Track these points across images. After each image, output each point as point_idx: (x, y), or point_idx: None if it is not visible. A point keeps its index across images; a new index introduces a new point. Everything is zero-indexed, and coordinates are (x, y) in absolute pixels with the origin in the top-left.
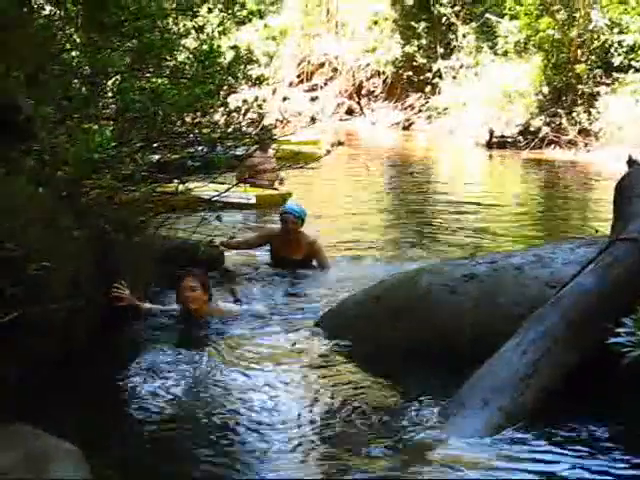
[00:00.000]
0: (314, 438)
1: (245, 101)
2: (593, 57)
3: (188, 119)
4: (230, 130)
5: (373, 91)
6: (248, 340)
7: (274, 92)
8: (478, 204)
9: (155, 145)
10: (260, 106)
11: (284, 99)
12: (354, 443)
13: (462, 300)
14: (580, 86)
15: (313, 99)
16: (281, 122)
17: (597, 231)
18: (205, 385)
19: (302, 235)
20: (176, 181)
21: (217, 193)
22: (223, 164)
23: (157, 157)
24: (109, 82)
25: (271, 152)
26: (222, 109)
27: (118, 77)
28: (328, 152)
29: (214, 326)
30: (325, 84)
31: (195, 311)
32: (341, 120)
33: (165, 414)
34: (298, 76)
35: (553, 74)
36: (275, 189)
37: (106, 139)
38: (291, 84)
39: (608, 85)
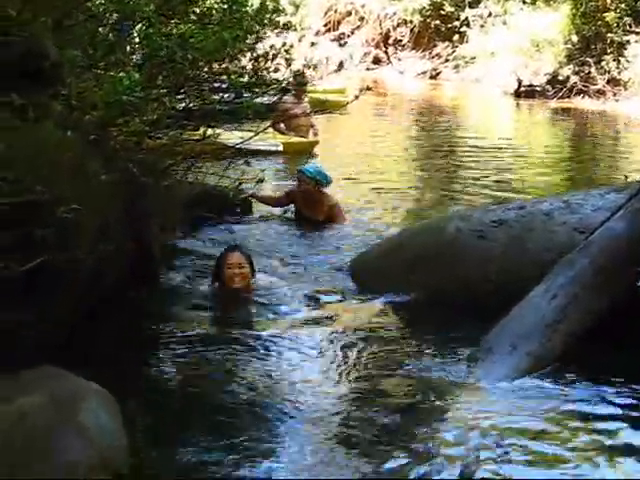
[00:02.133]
0: (347, 388)
1: (273, 46)
2: (623, 5)
3: (216, 65)
4: (258, 75)
5: (400, 40)
6: (280, 306)
7: (300, 40)
8: (506, 153)
9: (183, 90)
10: (288, 51)
11: (312, 44)
12: (382, 392)
13: (491, 245)
14: (609, 35)
15: (341, 45)
16: (309, 68)
17: (627, 177)
18: (233, 345)
19: (324, 196)
20: (202, 128)
21: (244, 139)
22: (252, 110)
23: (184, 104)
24: (136, 28)
25: (306, 101)
26: (250, 55)
27: (145, 23)
28: (356, 97)
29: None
30: (352, 33)
31: (239, 290)
32: (368, 69)
33: (192, 367)
34: (325, 25)
35: (582, 23)
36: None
37: (134, 82)
38: (318, 33)
39: (638, 34)
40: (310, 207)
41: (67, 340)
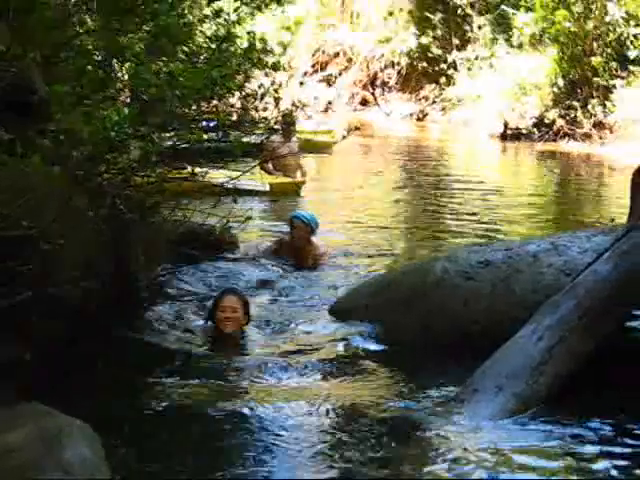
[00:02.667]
0: (328, 425)
1: (261, 85)
2: (609, 50)
3: (204, 104)
4: (247, 114)
5: (387, 82)
6: (270, 340)
7: (289, 79)
8: (492, 194)
9: (171, 128)
10: (276, 90)
11: (301, 84)
12: (365, 431)
13: (478, 286)
14: (596, 79)
15: (329, 85)
16: (297, 107)
17: (613, 220)
18: (221, 376)
19: (312, 246)
20: (190, 168)
21: (232, 178)
22: (240, 149)
23: (172, 142)
24: (125, 65)
25: (294, 142)
26: (238, 94)
27: (134, 60)
28: (344, 137)
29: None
30: (339, 74)
31: (228, 335)
32: (355, 110)
33: (178, 398)
34: (312, 66)
35: (568, 66)
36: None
37: (123, 117)
38: (305, 74)
39: (623, 78)
40: (297, 257)
41: (50, 375)
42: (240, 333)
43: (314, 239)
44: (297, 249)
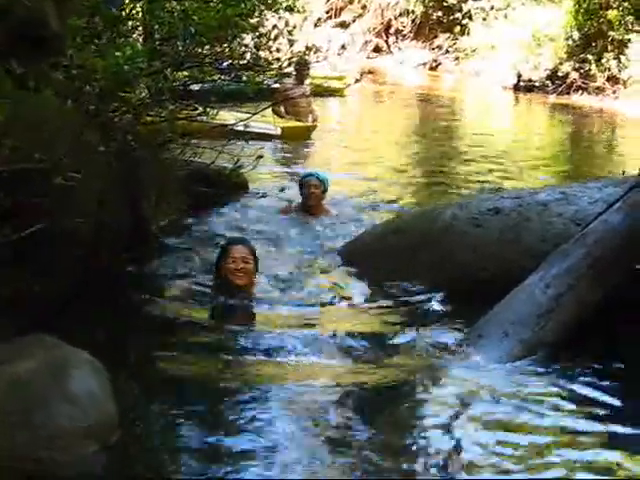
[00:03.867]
0: (337, 370)
1: (275, 26)
2: (625, 3)
3: (218, 45)
4: (259, 56)
5: (401, 30)
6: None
7: (304, 21)
8: (503, 144)
9: (184, 67)
10: (290, 32)
11: (315, 25)
12: (374, 372)
13: (487, 233)
14: (611, 32)
15: (343, 29)
16: (311, 50)
17: (624, 172)
18: (229, 334)
19: (324, 208)
20: (201, 108)
21: (242, 120)
22: (253, 90)
23: (184, 81)
24: (138, 3)
25: (307, 86)
26: (252, 34)
27: None
28: (357, 81)
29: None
30: (353, 21)
31: (242, 287)
32: (368, 58)
33: (184, 343)
34: (327, 12)
35: (584, 19)
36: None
37: (137, 52)
38: (319, 20)
39: (639, 32)
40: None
41: (60, 309)
42: (252, 286)
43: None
44: (309, 210)
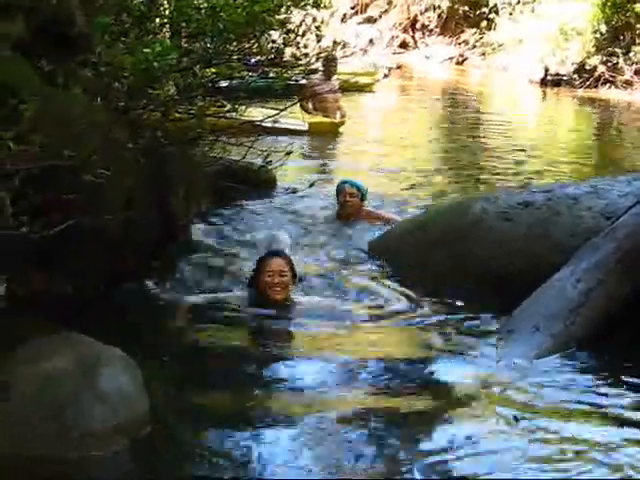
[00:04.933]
0: (364, 366)
1: (303, 22)
2: None
3: (246, 41)
4: (289, 51)
5: (428, 25)
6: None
7: (332, 16)
8: (532, 139)
9: (212, 63)
10: (318, 28)
11: (342, 20)
12: (402, 367)
13: (516, 227)
14: (639, 25)
15: (370, 24)
16: (338, 45)
17: None
18: (261, 334)
19: (368, 214)
20: (229, 105)
21: (270, 115)
22: (281, 86)
23: (213, 77)
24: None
25: (335, 81)
26: (280, 30)
27: None
28: (385, 75)
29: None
30: (380, 17)
31: (278, 301)
32: (395, 53)
33: (215, 339)
34: (352, 7)
35: (612, 12)
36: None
37: (166, 48)
38: (345, 15)
39: None
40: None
41: (90, 306)
42: (289, 299)
43: (369, 208)
44: (344, 218)
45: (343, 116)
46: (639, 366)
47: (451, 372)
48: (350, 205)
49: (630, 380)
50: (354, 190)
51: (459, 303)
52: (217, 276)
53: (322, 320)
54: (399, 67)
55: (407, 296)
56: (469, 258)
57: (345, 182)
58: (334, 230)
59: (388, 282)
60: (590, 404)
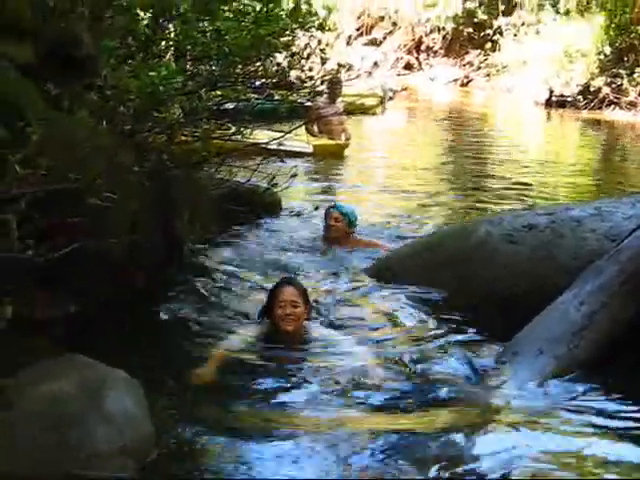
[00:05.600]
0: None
1: (308, 44)
2: None
3: (251, 66)
4: (294, 73)
5: (432, 47)
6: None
7: (336, 38)
8: (536, 160)
9: (217, 86)
10: (323, 50)
11: (348, 43)
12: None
13: (520, 250)
14: None
15: (375, 46)
16: (342, 67)
17: None
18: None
19: (356, 242)
20: (234, 128)
21: (275, 138)
22: (286, 109)
23: (218, 100)
24: (171, 23)
25: (340, 104)
26: (285, 53)
27: (180, 19)
28: (391, 98)
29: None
30: (384, 38)
31: (290, 333)
32: (399, 75)
33: (222, 361)
34: (357, 29)
35: (615, 34)
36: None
37: (172, 72)
38: (350, 37)
39: None
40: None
41: (95, 327)
42: (302, 330)
43: (357, 236)
44: (330, 241)
45: (348, 138)
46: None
47: (456, 394)
48: (334, 230)
49: (633, 403)
50: (339, 215)
51: (464, 325)
52: (221, 300)
53: (333, 355)
54: (404, 89)
55: (413, 319)
56: (474, 280)
57: (333, 207)
58: (324, 254)
59: (394, 305)
60: (596, 426)
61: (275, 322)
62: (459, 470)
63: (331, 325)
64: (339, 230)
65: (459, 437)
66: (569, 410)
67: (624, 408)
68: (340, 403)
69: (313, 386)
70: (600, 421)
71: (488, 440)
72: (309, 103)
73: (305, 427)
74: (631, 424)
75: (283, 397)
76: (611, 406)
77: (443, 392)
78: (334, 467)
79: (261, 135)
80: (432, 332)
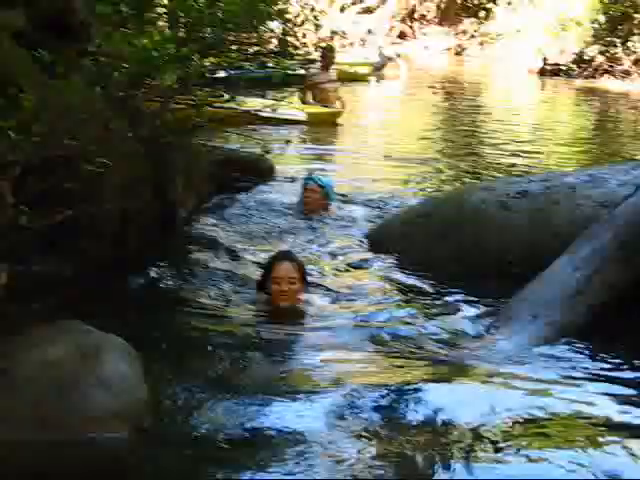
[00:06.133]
0: (361, 353)
1: (302, 11)
2: None
3: (245, 33)
4: (287, 41)
5: (426, 15)
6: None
7: (329, 7)
8: (530, 128)
9: (211, 52)
10: (317, 17)
11: (342, 9)
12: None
13: (514, 217)
14: (637, 15)
15: (369, 11)
16: (336, 34)
17: None
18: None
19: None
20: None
21: (268, 105)
22: (280, 77)
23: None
24: None
25: (333, 72)
26: (278, 20)
27: None
28: (384, 66)
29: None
30: (378, 7)
31: (284, 309)
32: (393, 44)
33: (213, 324)
34: None
35: (610, 2)
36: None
37: (165, 38)
38: (344, 6)
39: None
40: None
41: (90, 294)
42: (298, 306)
43: (332, 208)
44: (306, 214)
45: (343, 106)
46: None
47: (451, 364)
48: (309, 202)
49: (627, 367)
50: (316, 187)
51: (460, 291)
52: (215, 266)
53: (329, 330)
54: (398, 57)
55: (408, 287)
56: (468, 247)
57: (310, 178)
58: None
59: (389, 275)
60: (589, 389)
61: (271, 297)
62: (439, 421)
63: (328, 298)
64: (313, 202)
65: (443, 390)
66: (562, 374)
67: (617, 374)
68: (334, 372)
69: (308, 360)
70: (592, 384)
71: (475, 395)
72: (303, 71)
73: (301, 388)
74: (624, 388)
75: (279, 368)
76: (604, 370)
77: (437, 356)
78: (331, 418)
79: (255, 103)
80: (427, 299)
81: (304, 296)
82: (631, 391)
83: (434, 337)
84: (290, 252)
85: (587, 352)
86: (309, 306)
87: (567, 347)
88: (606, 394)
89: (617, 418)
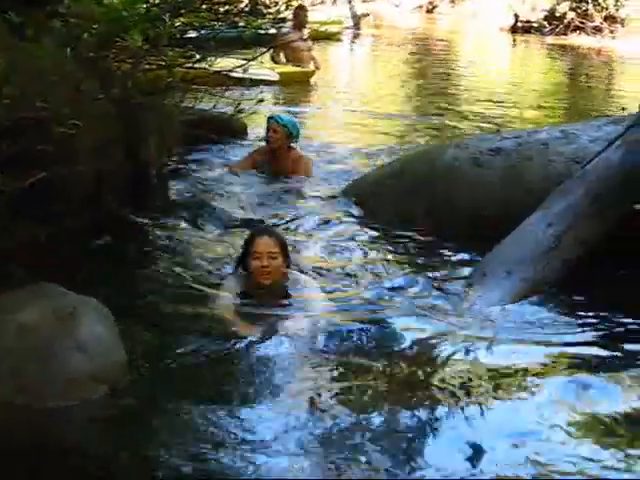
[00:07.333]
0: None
1: None
2: None
3: None
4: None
5: None
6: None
7: None
8: (502, 85)
9: (181, 13)
10: None
11: None
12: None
13: (487, 173)
14: None
15: None
16: None
17: (624, 109)
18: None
19: (292, 153)
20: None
21: (240, 65)
22: (251, 37)
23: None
24: None
25: (306, 32)
26: None
27: None
28: (354, 25)
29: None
30: None
31: (267, 287)
32: (364, 2)
33: (191, 285)
34: None
35: None
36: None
37: None
38: None
39: None
40: (275, 163)
41: (65, 258)
42: (281, 283)
43: (297, 149)
44: (273, 155)
45: (317, 67)
46: (610, 309)
47: (426, 321)
48: (273, 141)
49: (600, 323)
50: (278, 126)
51: (433, 250)
52: (189, 229)
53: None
54: (367, 15)
55: (382, 248)
56: (441, 204)
57: (272, 117)
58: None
59: (363, 237)
60: (563, 342)
61: (252, 273)
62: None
63: (306, 270)
64: (277, 141)
65: (423, 344)
66: (537, 329)
67: (592, 326)
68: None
69: (290, 340)
70: (567, 337)
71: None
72: (274, 30)
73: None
74: (598, 339)
75: (260, 347)
76: (578, 324)
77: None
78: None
79: (226, 63)
80: (401, 258)
81: (287, 271)
82: (606, 339)
83: (401, 292)
84: (270, 227)
85: (561, 306)
86: (292, 283)
87: (541, 302)
88: (584, 343)
89: (594, 361)
